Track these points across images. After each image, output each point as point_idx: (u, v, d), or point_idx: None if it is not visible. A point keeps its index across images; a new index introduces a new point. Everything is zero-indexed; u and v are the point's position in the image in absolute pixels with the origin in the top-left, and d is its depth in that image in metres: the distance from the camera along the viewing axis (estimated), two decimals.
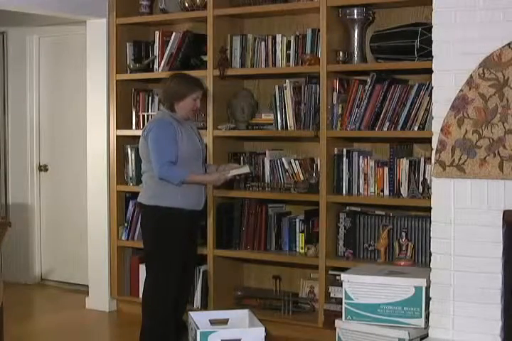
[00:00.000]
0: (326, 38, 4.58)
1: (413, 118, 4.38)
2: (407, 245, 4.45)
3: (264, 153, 5.00)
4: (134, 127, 5.43)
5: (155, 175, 4.18)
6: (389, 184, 4.53)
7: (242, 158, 5.04)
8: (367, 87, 4.53)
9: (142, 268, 5.37)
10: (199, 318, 3.95)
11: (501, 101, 3.64)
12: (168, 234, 4.20)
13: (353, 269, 4.26)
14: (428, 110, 4.29)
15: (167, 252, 4.21)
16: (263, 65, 4.93)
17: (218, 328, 3.90)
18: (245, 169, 4.36)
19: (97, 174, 5.51)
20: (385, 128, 4.47)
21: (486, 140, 3.69)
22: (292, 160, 4.87)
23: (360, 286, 4.03)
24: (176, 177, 4.14)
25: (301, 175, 4.83)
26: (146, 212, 4.30)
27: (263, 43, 4.93)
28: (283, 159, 4.90)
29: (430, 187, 4.07)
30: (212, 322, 4.03)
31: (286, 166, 4.89)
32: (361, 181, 4.61)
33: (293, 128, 4.80)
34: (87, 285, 5.68)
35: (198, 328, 3.79)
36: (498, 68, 3.64)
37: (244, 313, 4.04)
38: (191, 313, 3.98)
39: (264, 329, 3.77)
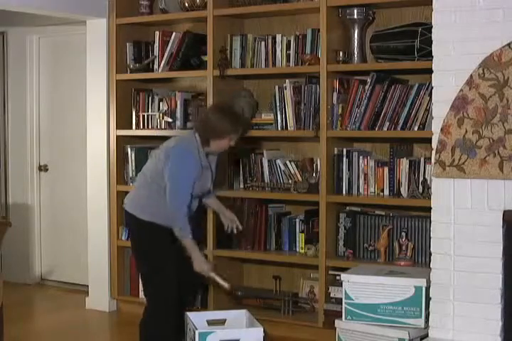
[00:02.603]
0: (326, 38, 4.58)
1: (413, 118, 4.38)
2: (407, 245, 4.45)
3: (262, 153, 4.99)
4: (134, 127, 5.43)
5: (168, 204, 3.97)
6: (389, 184, 4.52)
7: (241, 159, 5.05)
8: (367, 87, 4.53)
9: None
10: (196, 319, 3.95)
11: (501, 101, 3.64)
12: (150, 245, 4.11)
13: (353, 269, 4.26)
14: (428, 110, 4.29)
15: (153, 258, 4.10)
16: (263, 65, 4.93)
17: (216, 329, 3.89)
18: (225, 285, 4.16)
19: (97, 174, 5.51)
20: (385, 128, 4.47)
21: (486, 140, 3.68)
22: (288, 162, 4.87)
23: (360, 286, 4.03)
24: (183, 229, 3.95)
25: (298, 176, 4.82)
26: (132, 221, 4.18)
27: (263, 43, 4.93)
28: (278, 161, 4.89)
29: (430, 187, 4.07)
30: (210, 323, 4.02)
31: (283, 167, 4.89)
32: (361, 181, 4.61)
33: (293, 128, 4.79)
34: (87, 285, 5.68)
35: (197, 329, 3.78)
36: (498, 68, 3.64)
37: (241, 313, 4.04)
38: (188, 314, 3.98)
39: (262, 329, 3.77)
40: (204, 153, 4.07)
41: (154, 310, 4.10)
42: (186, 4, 5.14)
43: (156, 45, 5.31)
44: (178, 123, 5.22)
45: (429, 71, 3.88)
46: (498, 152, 3.65)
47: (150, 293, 4.14)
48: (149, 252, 4.12)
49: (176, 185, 3.96)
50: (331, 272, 4.64)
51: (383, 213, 4.61)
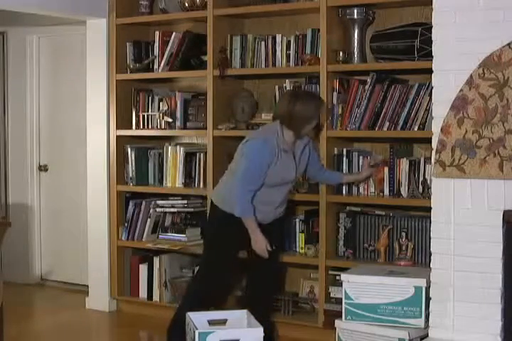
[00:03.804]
0: (326, 38, 4.58)
1: (413, 118, 4.38)
2: (407, 245, 4.45)
3: None
4: (134, 127, 5.43)
5: (235, 188, 4.08)
6: (389, 184, 4.52)
7: None
8: (367, 87, 4.53)
9: (142, 268, 5.40)
10: (197, 319, 3.94)
11: (501, 101, 3.64)
12: (220, 239, 4.24)
13: (353, 269, 4.26)
14: (428, 110, 4.29)
15: (216, 253, 4.26)
16: (263, 65, 4.93)
17: (217, 329, 3.89)
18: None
19: (97, 174, 5.50)
20: (385, 128, 4.47)
21: (486, 140, 3.68)
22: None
23: (360, 286, 4.03)
24: (241, 209, 4.07)
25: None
26: (212, 209, 4.31)
27: (263, 43, 4.93)
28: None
29: (430, 187, 4.07)
30: (211, 323, 4.02)
31: None
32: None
33: None
34: (87, 285, 5.68)
35: (197, 328, 3.78)
36: (498, 68, 3.64)
37: (242, 313, 4.04)
38: (189, 313, 3.98)
39: (262, 329, 3.77)
40: (286, 141, 4.10)
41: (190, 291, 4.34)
42: (186, 4, 5.14)
43: (156, 45, 5.31)
44: (178, 123, 5.22)
45: (429, 71, 3.88)
46: (498, 152, 3.65)
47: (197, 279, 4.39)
48: (217, 242, 4.25)
49: (247, 174, 4.03)
50: (331, 272, 4.64)
51: (383, 213, 4.60)
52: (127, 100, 5.44)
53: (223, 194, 4.23)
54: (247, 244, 4.23)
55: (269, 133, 4.10)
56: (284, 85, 4.80)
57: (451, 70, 3.77)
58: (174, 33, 5.22)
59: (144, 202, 5.37)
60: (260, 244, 4.13)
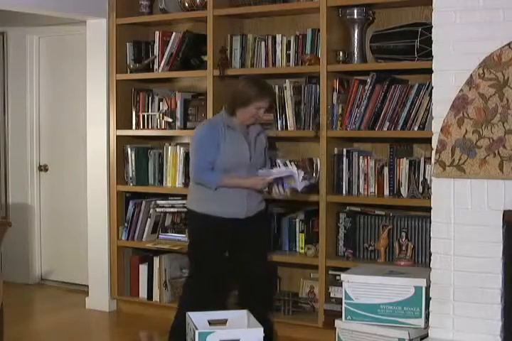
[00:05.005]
0: (326, 38, 4.58)
1: (413, 118, 4.38)
2: (407, 245, 4.45)
3: None
4: (134, 127, 5.43)
5: (191, 179, 4.20)
6: (389, 184, 4.53)
7: None
8: (367, 87, 4.53)
9: (142, 268, 5.40)
10: (198, 319, 3.95)
11: (501, 101, 3.64)
12: (203, 241, 4.22)
13: (353, 269, 4.26)
14: (428, 110, 4.29)
15: (199, 256, 4.25)
16: (263, 65, 4.93)
17: (217, 329, 3.89)
18: (288, 170, 4.15)
19: (97, 174, 5.50)
20: (385, 128, 4.47)
21: (486, 140, 3.68)
22: (288, 162, 4.85)
23: (360, 286, 4.03)
24: (211, 181, 4.09)
25: None
26: (187, 214, 4.37)
27: (263, 43, 4.93)
28: (278, 160, 4.87)
29: (430, 187, 4.07)
30: (211, 323, 4.02)
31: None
32: (361, 181, 4.61)
33: (293, 128, 4.79)
34: (87, 285, 5.68)
35: (197, 328, 3.78)
36: (498, 68, 3.64)
37: (243, 313, 4.04)
38: (190, 314, 3.98)
39: (262, 329, 3.77)
40: (232, 121, 4.14)
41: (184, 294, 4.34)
42: (186, 4, 5.14)
43: (156, 45, 5.31)
44: (178, 123, 5.22)
45: (429, 71, 3.88)
46: (498, 152, 3.65)
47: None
48: (197, 245, 4.25)
49: (195, 155, 4.12)
50: (331, 272, 4.64)
51: (383, 213, 4.60)
52: (127, 100, 5.44)
53: (193, 196, 4.27)
54: (230, 244, 4.24)
55: (214, 117, 4.26)
56: (284, 85, 4.80)
57: (451, 70, 3.77)
58: (174, 33, 5.22)
59: (143, 202, 5.37)
60: (256, 184, 4.13)
